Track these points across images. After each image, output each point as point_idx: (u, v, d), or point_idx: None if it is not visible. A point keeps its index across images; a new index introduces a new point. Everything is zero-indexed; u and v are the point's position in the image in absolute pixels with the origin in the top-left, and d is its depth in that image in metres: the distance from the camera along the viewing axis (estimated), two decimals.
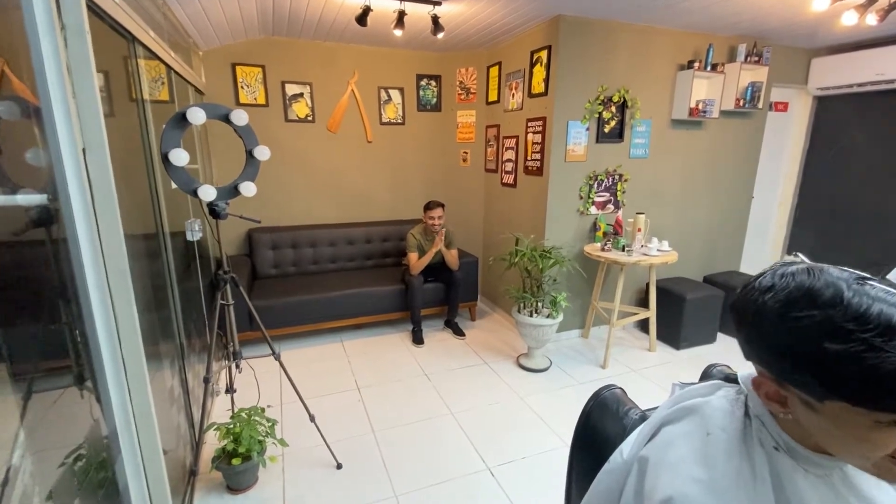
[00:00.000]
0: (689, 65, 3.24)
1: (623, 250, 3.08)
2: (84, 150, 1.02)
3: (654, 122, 3.36)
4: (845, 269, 0.51)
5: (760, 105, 3.49)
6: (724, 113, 3.47)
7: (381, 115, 3.95)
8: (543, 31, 3.06)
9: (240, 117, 1.73)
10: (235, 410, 2.02)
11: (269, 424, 2.00)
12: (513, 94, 3.54)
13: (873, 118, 3.65)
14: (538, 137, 3.22)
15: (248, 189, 1.80)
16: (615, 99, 3.17)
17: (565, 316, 3.32)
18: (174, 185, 1.68)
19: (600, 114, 3.16)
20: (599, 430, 0.81)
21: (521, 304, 3.03)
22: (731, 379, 0.68)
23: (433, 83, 4.05)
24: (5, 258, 1.03)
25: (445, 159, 4.25)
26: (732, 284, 3.56)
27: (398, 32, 2.80)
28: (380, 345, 3.43)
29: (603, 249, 3.13)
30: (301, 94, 3.65)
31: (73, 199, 0.99)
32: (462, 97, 4.07)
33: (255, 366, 2.59)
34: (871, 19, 2.33)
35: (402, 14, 2.65)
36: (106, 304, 1.08)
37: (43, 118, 0.94)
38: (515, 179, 3.62)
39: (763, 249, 4.43)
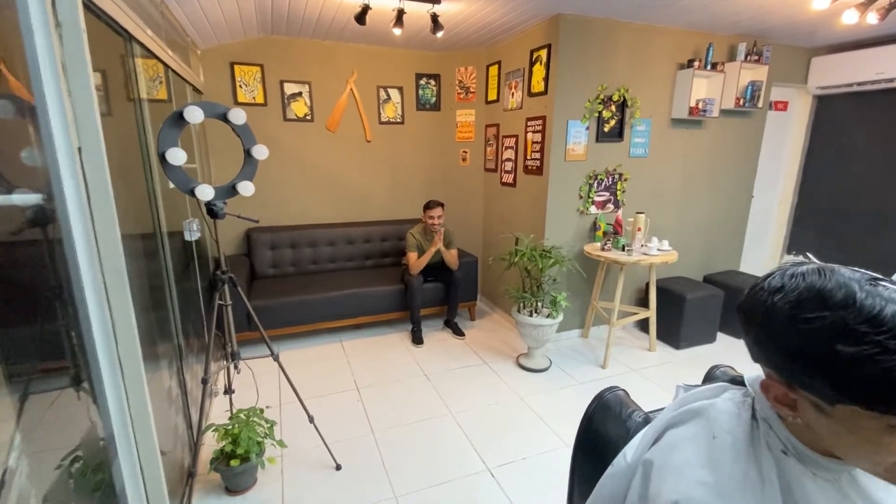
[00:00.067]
0: (689, 64, 3.24)
1: (623, 250, 3.07)
2: (80, 150, 1.01)
3: (653, 122, 3.36)
4: (857, 269, 0.50)
5: (760, 104, 3.49)
6: (724, 112, 3.47)
7: (380, 114, 3.94)
8: (543, 30, 3.05)
9: (238, 116, 1.72)
10: (234, 411, 2.00)
11: (268, 425, 1.99)
12: (512, 94, 3.53)
13: (873, 117, 3.65)
14: (538, 137, 3.21)
15: (247, 188, 1.78)
16: (615, 98, 3.16)
17: (565, 316, 3.31)
18: (172, 185, 1.67)
19: (600, 113, 3.15)
20: (602, 433, 0.80)
21: (521, 304, 3.03)
22: (736, 381, 0.67)
23: (432, 82, 4.04)
24: (2, 258, 1.02)
25: (445, 159, 4.24)
26: (732, 284, 3.56)
27: (397, 31, 2.79)
28: (379, 345, 3.42)
29: (603, 249, 3.12)
30: (300, 94, 3.64)
31: (69, 199, 0.98)
32: (461, 96, 4.06)
33: (253, 366, 2.58)
34: (872, 18, 2.32)
35: (401, 13, 2.64)
36: (102, 304, 1.07)
37: (38, 117, 0.93)
38: (515, 179, 3.61)
39: (763, 249, 4.42)
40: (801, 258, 4.19)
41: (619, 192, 3.38)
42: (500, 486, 2.00)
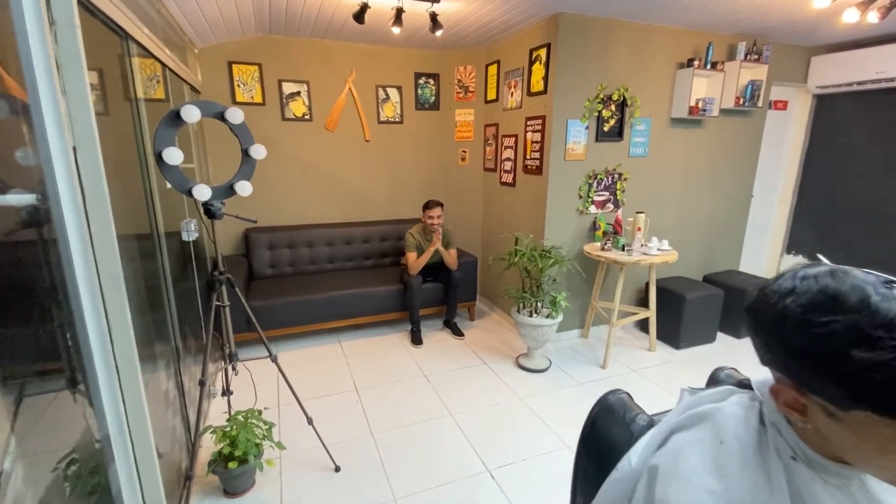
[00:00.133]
0: (689, 63, 3.23)
1: (623, 250, 3.06)
2: (75, 149, 1.00)
3: (653, 121, 3.35)
4: (870, 271, 0.49)
5: (760, 103, 3.48)
6: (723, 111, 3.46)
7: (378, 113, 3.92)
8: (542, 29, 3.04)
9: (235, 115, 1.70)
10: (232, 413, 1.99)
11: (267, 427, 1.97)
12: (512, 93, 3.51)
13: (873, 117, 3.65)
14: (537, 136, 3.20)
15: (244, 188, 1.77)
16: (615, 97, 3.15)
17: (565, 316, 3.31)
18: (169, 185, 1.65)
19: (600, 112, 3.14)
20: (606, 437, 0.79)
21: (521, 304, 3.01)
22: (743, 384, 0.65)
23: (431, 81, 4.02)
24: None
25: (444, 158, 4.23)
26: (732, 284, 3.55)
27: (396, 30, 2.78)
28: (378, 345, 3.41)
29: (603, 249, 3.12)
30: (298, 93, 3.62)
31: (63, 199, 0.97)
32: (460, 96, 4.04)
33: (251, 367, 2.56)
34: (873, 17, 2.31)
35: (400, 11, 2.63)
36: (98, 306, 1.06)
37: (31, 115, 0.92)
38: (514, 178, 3.60)
39: (763, 248, 4.42)
40: (802, 259, 4.18)
41: (618, 192, 3.38)
42: (501, 487, 1.99)
